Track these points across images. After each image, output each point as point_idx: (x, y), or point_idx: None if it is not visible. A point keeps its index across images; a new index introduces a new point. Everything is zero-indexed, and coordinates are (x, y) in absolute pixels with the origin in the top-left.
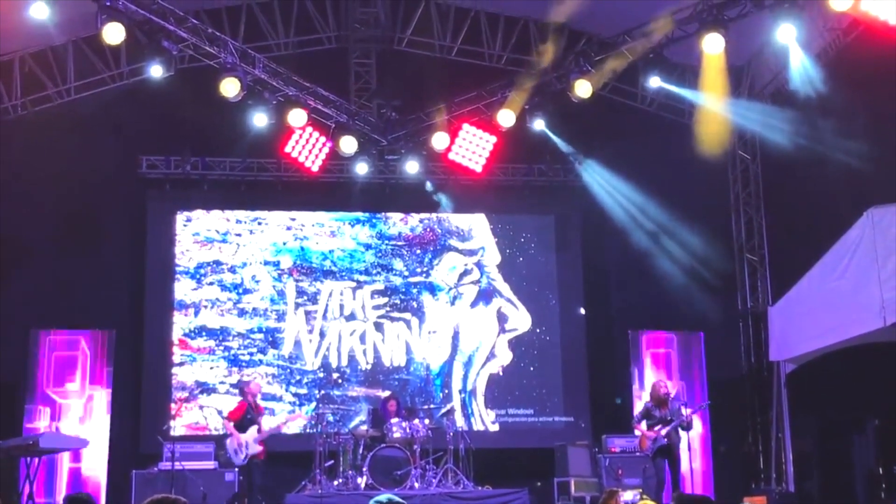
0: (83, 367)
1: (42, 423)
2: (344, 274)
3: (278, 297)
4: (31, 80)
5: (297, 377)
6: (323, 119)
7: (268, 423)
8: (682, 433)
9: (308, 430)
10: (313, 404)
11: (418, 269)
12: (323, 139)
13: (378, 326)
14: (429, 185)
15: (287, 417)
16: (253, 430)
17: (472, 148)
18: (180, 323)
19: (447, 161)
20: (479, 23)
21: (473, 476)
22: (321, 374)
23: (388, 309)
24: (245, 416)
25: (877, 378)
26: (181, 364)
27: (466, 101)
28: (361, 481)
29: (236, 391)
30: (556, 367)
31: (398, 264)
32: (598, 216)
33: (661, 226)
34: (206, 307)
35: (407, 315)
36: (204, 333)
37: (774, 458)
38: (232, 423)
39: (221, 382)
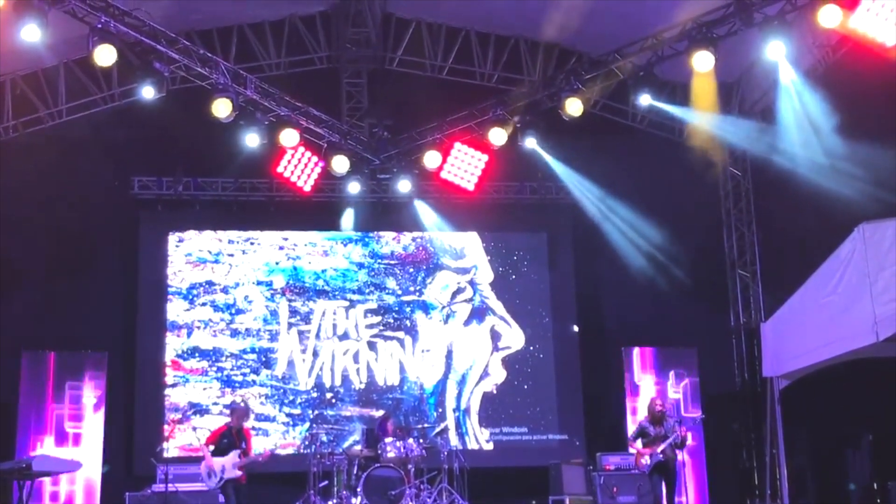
0: (76, 388)
1: (34, 445)
2: (337, 293)
3: (271, 317)
4: (23, 103)
5: (291, 397)
6: (315, 139)
7: (256, 447)
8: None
9: (302, 451)
10: (307, 424)
11: (411, 288)
12: (315, 159)
13: (371, 345)
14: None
15: (264, 451)
16: (233, 454)
17: (464, 166)
18: (173, 344)
19: (439, 180)
20: (469, 42)
21: (468, 495)
22: (315, 394)
23: (381, 328)
24: (222, 440)
25: (870, 393)
26: (174, 385)
27: (458, 120)
28: (356, 502)
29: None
30: (549, 385)
31: (391, 283)
32: (590, 233)
33: (653, 242)
34: (198, 328)
35: (400, 334)
36: (197, 354)
37: (769, 473)
38: (208, 447)
39: (215, 403)
